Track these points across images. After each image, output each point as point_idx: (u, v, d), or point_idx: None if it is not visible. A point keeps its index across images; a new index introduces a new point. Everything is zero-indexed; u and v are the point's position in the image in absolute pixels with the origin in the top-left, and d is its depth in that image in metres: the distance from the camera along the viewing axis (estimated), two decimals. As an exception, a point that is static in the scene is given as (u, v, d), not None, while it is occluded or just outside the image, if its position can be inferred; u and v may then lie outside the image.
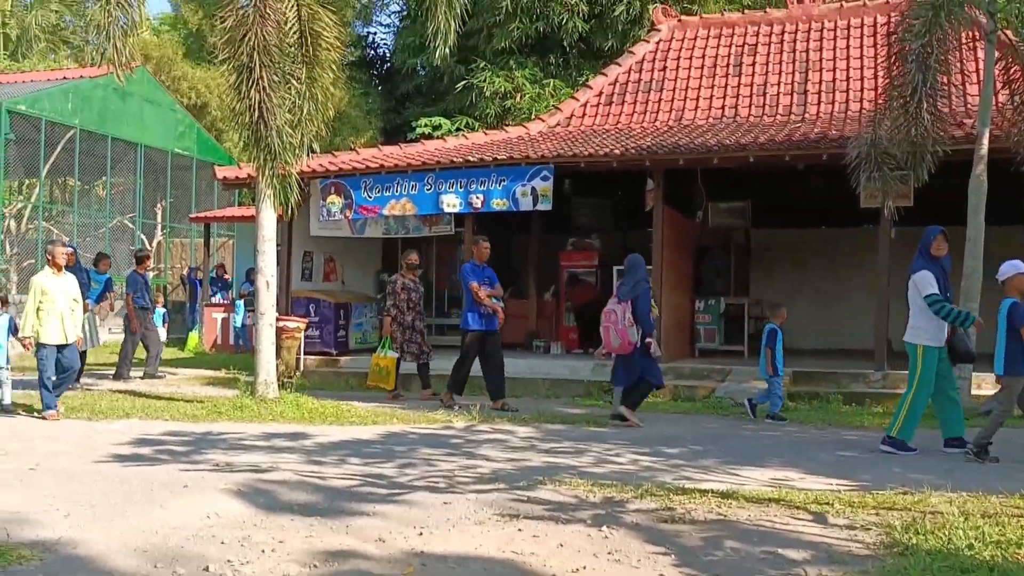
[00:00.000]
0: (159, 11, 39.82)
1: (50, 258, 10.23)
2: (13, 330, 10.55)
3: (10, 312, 10.91)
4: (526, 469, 7.19)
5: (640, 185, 13.71)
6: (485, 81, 24.14)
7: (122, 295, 14.98)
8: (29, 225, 22.26)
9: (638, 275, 9.92)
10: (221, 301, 20.07)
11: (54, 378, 10.05)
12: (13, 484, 6.49)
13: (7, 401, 10.31)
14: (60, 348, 10.05)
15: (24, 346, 10.12)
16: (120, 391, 12.31)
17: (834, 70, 16.07)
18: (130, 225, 23.15)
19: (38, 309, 9.91)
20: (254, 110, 10.03)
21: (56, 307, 9.96)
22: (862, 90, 15.50)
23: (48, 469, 7.09)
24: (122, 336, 19.50)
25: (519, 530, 5.28)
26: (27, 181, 23.09)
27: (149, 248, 21.57)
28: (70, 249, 11.36)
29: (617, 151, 13.05)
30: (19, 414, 10.18)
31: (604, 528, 5.30)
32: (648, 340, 9.75)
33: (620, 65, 17.65)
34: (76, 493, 6.15)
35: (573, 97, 17.91)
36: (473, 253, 11.45)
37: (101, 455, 7.76)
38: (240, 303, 18.73)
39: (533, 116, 20.44)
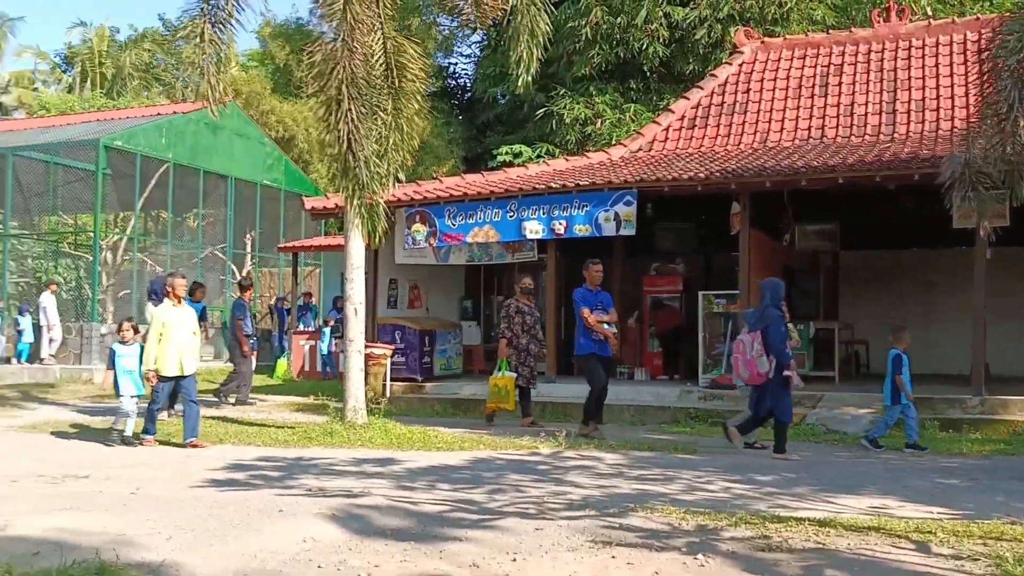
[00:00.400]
0: (247, 47, 40.97)
1: (170, 290, 10.39)
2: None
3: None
4: (616, 496, 7.14)
5: (724, 208, 13.56)
6: (565, 108, 24.22)
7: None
8: (124, 257, 22.96)
9: (764, 301, 9.49)
10: (307, 329, 20.41)
11: (162, 407, 10.26)
12: (117, 508, 6.69)
13: (128, 432, 10.30)
14: (178, 379, 10.23)
15: (147, 378, 10.28)
16: (213, 417, 12.56)
17: (923, 88, 15.74)
18: (221, 256, 23.73)
19: (159, 341, 10.09)
20: (343, 142, 10.21)
21: (175, 339, 10.13)
22: (952, 108, 15.15)
23: (148, 494, 7.29)
24: (211, 363, 20.04)
25: (613, 557, 5.24)
26: (123, 214, 23.85)
27: (248, 277, 22.02)
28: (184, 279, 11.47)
29: (702, 175, 12.94)
30: (141, 444, 10.22)
31: (700, 556, 5.23)
32: (786, 372, 9.26)
33: (702, 88, 17.56)
34: (176, 517, 6.31)
35: (655, 121, 17.84)
36: (585, 278, 11.27)
37: (197, 480, 7.96)
38: (326, 330, 19.02)
39: (613, 142, 20.41)
